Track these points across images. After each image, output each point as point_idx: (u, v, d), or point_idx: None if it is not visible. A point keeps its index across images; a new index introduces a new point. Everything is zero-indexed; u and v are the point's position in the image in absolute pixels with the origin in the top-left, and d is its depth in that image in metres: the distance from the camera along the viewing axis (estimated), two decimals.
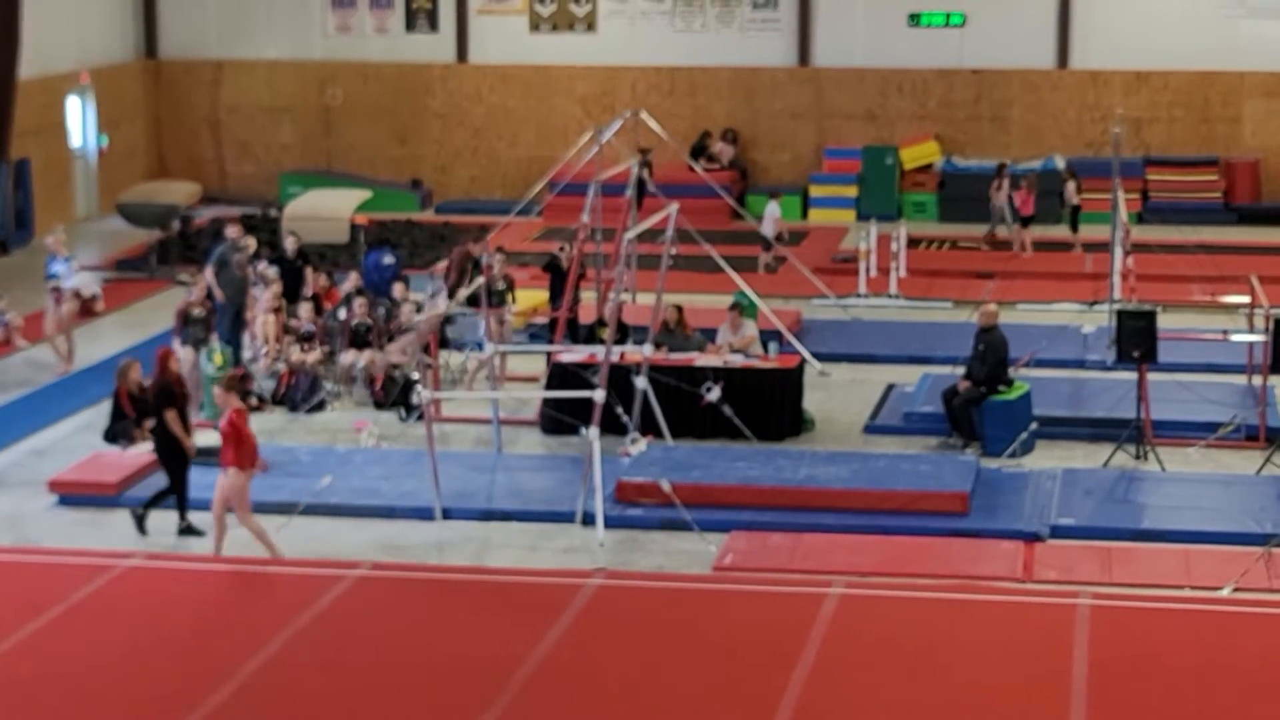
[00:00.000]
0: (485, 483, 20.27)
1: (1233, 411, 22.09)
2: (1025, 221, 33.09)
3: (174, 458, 18.66)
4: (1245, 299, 24.47)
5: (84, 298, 27.23)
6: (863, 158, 37.54)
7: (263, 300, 24.79)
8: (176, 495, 18.74)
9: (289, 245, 26.55)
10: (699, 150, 37.11)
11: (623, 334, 23.32)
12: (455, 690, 14.92)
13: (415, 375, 21.86)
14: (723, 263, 26.09)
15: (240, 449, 17.65)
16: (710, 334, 23.62)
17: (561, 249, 25.82)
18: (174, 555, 18.18)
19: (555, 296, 25.51)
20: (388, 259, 27.50)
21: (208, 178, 38.97)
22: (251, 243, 25.77)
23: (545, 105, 38.89)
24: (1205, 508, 19.23)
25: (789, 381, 22.40)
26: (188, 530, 18.70)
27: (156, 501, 18.89)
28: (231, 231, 25.71)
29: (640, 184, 27.08)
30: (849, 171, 37.42)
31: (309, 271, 26.08)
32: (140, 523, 18.82)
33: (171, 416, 18.48)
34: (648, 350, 21.05)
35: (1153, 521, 18.90)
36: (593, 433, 19.03)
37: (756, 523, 18.85)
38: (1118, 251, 26.01)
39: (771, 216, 31.84)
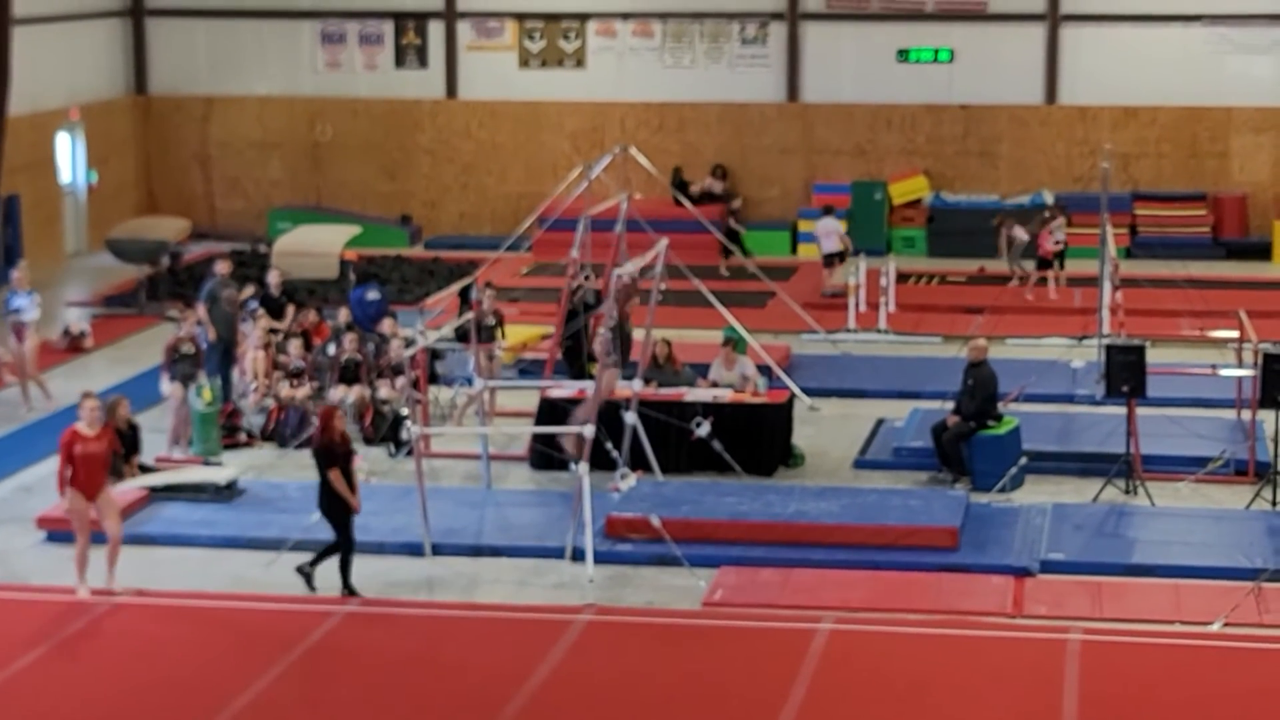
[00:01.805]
0: (475, 518, 20.25)
1: (1222, 446, 22.10)
2: (1060, 260, 32.05)
3: (338, 515, 18.09)
4: (1234, 334, 24.49)
5: (73, 334, 27.15)
6: (852, 193, 37.57)
7: (252, 336, 24.79)
8: (342, 553, 18.11)
9: (273, 281, 26.56)
10: (681, 185, 37.16)
11: None
12: None
13: (404, 411, 21.83)
14: (712, 298, 26.11)
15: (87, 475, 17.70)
16: (700, 369, 23.61)
17: (586, 278, 25.60)
18: (161, 593, 18.12)
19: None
20: (372, 295, 27.50)
21: (197, 214, 38.94)
22: (247, 291, 25.88)
23: (534, 141, 38.94)
24: (1195, 543, 19.23)
25: (779, 416, 22.40)
26: (349, 591, 18.08)
27: (322, 558, 18.26)
28: (221, 268, 25.70)
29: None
30: (838, 207, 37.43)
31: (291, 309, 26.10)
32: (309, 581, 18.19)
33: (335, 475, 17.90)
34: (637, 385, 21.06)
35: (1143, 556, 18.89)
36: (582, 468, 19.01)
37: (746, 558, 18.83)
38: (1106, 286, 26.03)
39: (836, 232, 32.34)
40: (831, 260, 32.38)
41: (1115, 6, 37.21)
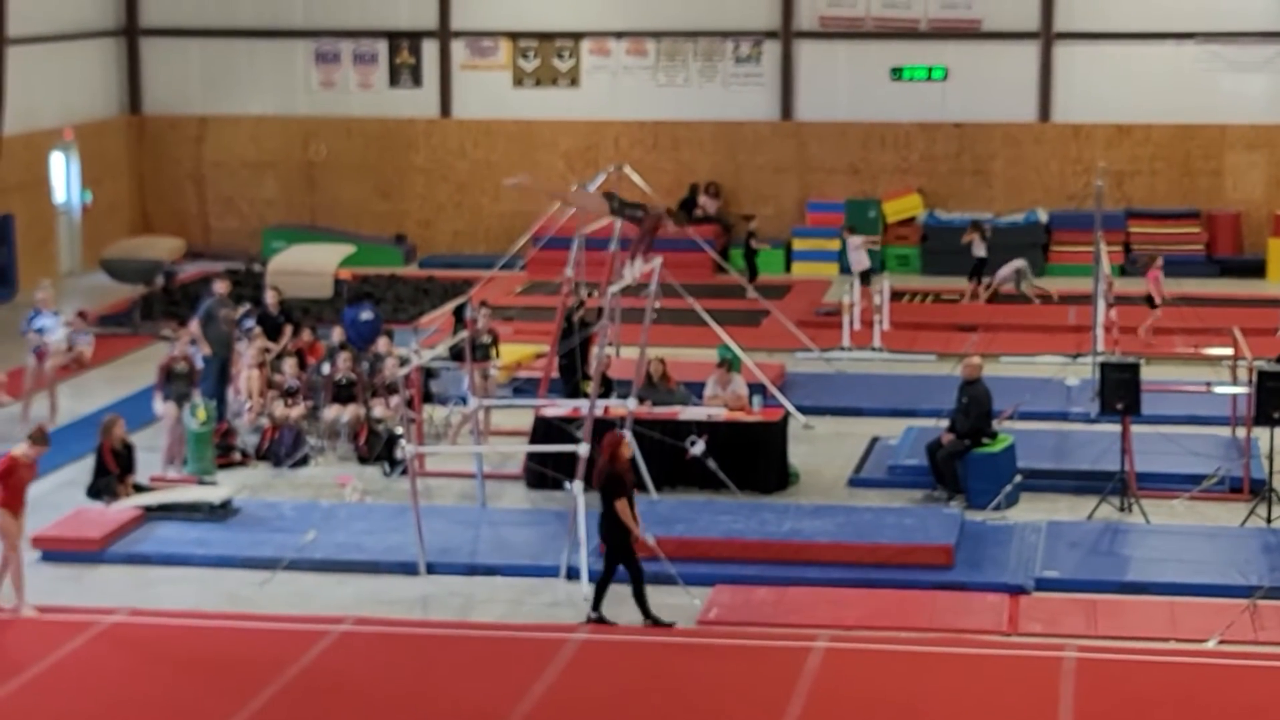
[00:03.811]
0: (469, 537, 20.24)
1: (1217, 463, 22.11)
2: (1150, 303, 30.09)
3: (621, 544, 17.67)
4: (1228, 351, 24.52)
5: (79, 351, 27.09)
6: (846, 211, 37.61)
7: (247, 355, 24.78)
8: (634, 583, 17.68)
9: (269, 300, 26.57)
10: (689, 203, 37.23)
11: (607, 388, 23.32)
12: None
13: (399, 429, 21.83)
14: (706, 316, 26.13)
15: (9, 492, 17.78)
16: (695, 387, 23.61)
17: (581, 303, 25.60)
18: (157, 612, 18.10)
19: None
20: (365, 315, 27.52)
21: (191, 233, 38.98)
22: (242, 309, 25.89)
23: (528, 160, 38.93)
24: (1190, 560, 19.23)
25: (773, 435, 22.40)
26: (651, 620, 17.71)
27: (601, 594, 17.77)
28: (219, 287, 25.71)
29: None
30: (832, 225, 37.49)
31: (288, 329, 26.10)
32: (603, 619, 17.74)
33: (621, 505, 17.50)
34: (631, 404, 21.05)
35: (1138, 574, 18.89)
36: (577, 487, 19.00)
37: (741, 576, 18.82)
38: (1101, 304, 26.06)
39: (866, 246, 32.92)
40: (868, 278, 32.46)
41: (1109, 25, 37.27)
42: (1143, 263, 31.26)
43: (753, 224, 35.87)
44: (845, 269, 35.08)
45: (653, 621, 17.64)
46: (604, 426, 20.81)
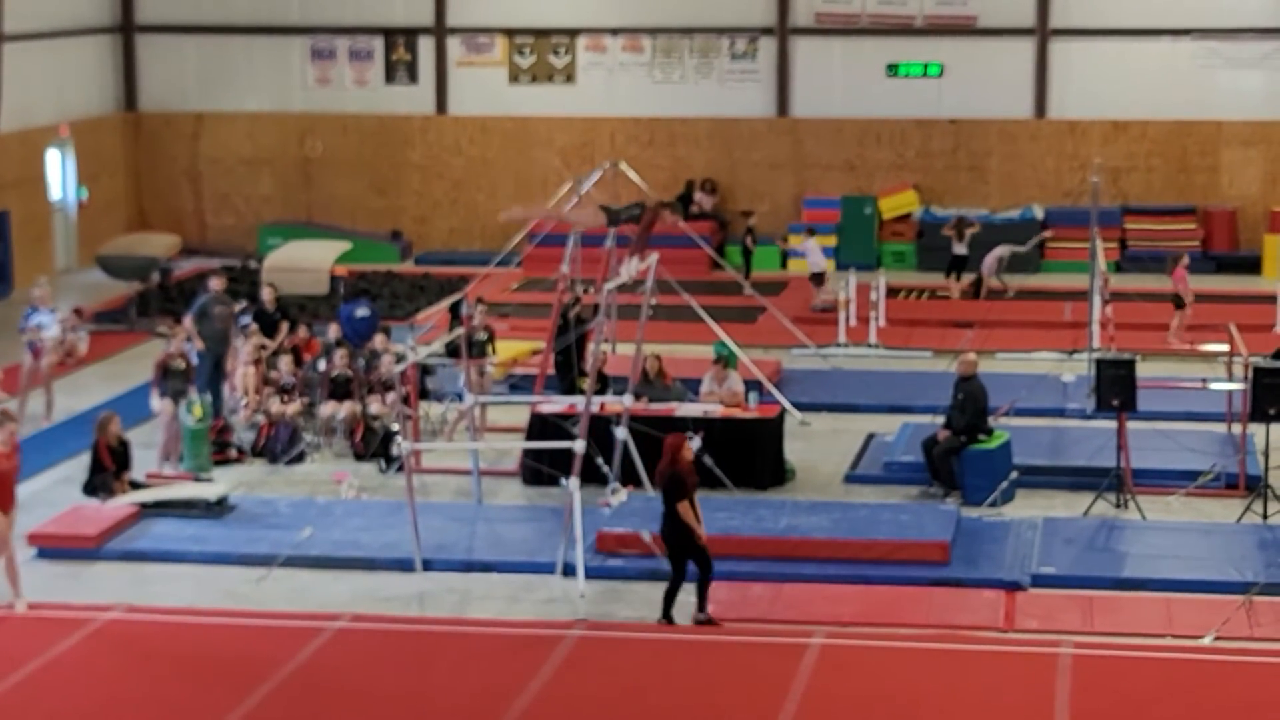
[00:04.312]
0: (466, 534, 20.24)
1: (1213, 460, 22.13)
2: (1179, 303, 29.84)
3: (686, 543, 17.51)
4: (1224, 347, 24.52)
5: (71, 344, 27.03)
6: (841, 207, 37.64)
7: (243, 352, 24.78)
8: (700, 578, 17.60)
9: (265, 296, 26.56)
10: (686, 200, 37.23)
11: (603, 384, 23.31)
12: None
13: (395, 427, 21.83)
14: (703, 313, 26.13)
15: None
16: (691, 384, 23.61)
17: (577, 300, 25.60)
18: (153, 608, 18.10)
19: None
20: (361, 311, 27.50)
21: (187, 230, 38.95)
22: (239, 306, 25.89)
23: (524, 156, 38.96)
24: (1186, 556, 19.24)
25: (769, 431, 22.40)
26: (706, 620, 17.66)
27: (673, 597, 17.64)
28: (214, 284, 25.71)
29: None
30: (828, 221, 37.49)
31: (284, 326, 26.08)
32: (671, 620, 17.63)
33: (684, 507, 17.39)
34: (628, 400, 21.06)
35: (1134, 570, 18.90)
36: (573, 484, 19.00)
37: (737, 573, 18.80)
38: (1096, 300, 26.07)
39: (817, 251, 32.92)
40: (819, 278, 32.60)
41: (1104, 21, 37.29)
42: (1169, 262, 30.99)
43: (751, 220, 35.86)
44: (841, 265, 35.12)
45: (707, 621, 17.57)
46: (600, 423, 20.87)
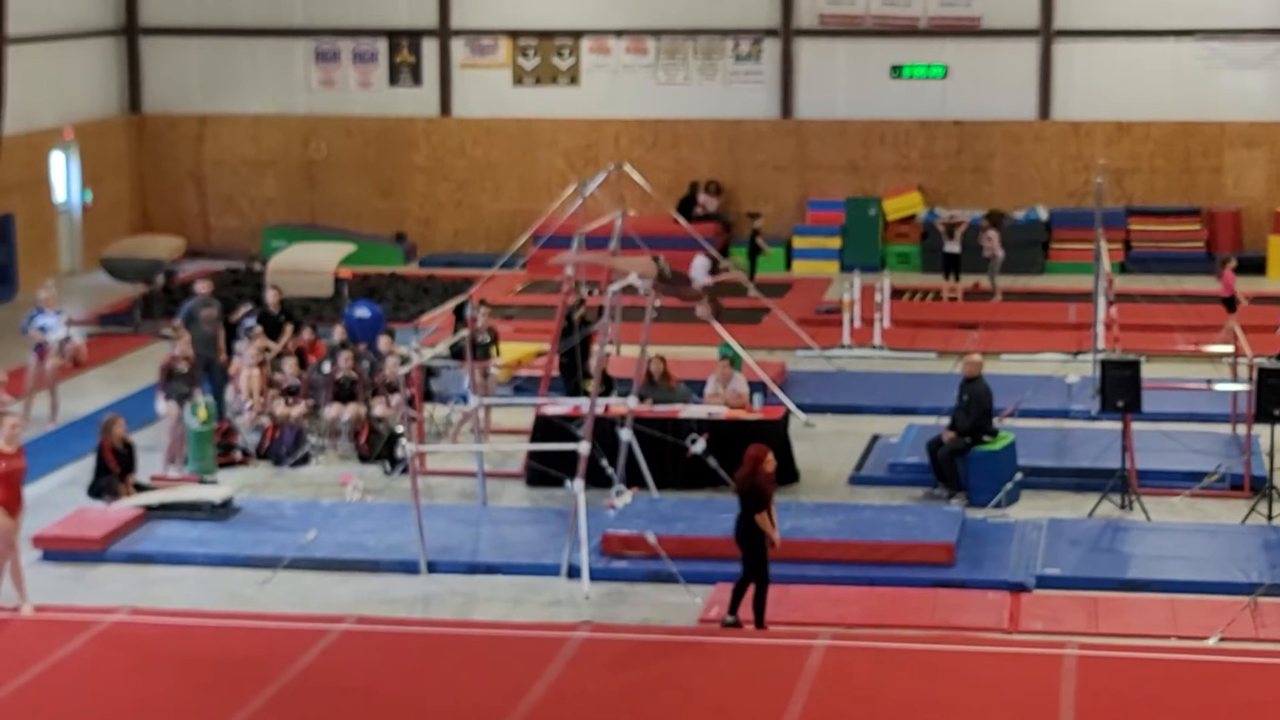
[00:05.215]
0: (470, 536, 20.24)
1: (1217, 461, 22.12)
2: (1230, 305, 29.42)
3: (758, 548, 17.46)
4: (1229, 348, 24.50)
5: (76, 347, 27.03)
6: (846, 209, 37.63)
7: (247, 354, 24.78)
8: (757, 586, 17.51)
9: (270, 299, 26.57)
10: (689, 202, 37.21)
11: (607, 386, 23.31)
12: None
13: (400, 429, 21.84)
14: (708, 315, 26.06)
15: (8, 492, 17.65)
16: (695, 385, 23.61)
17: (581, 301, 25.59)
18: (158, 611, 18.10)
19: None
20: (363, 312, 27.49)
21: (192, 232, 38.96)
22: (243, 309, 25.94)
23: (529, 158, 38.96)
24: (1191, 557, 19.23)
25: (774, 433, 22.38)
26: (734, 623, 17.63)
27: (738, 598, 17.60)
28: (201, 287, 25.76)
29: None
30: (832, 223, 37.50)
31: (288, 328, 26.09)
32: (738, 624, 17.61)
33: (761, 518, 17.35)
34: (632, 402, 21.06)
35: (1139, 571, 18.90)
36: (578, 485, 19.00)
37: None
38: (1101, 301, 26.06)
39: (704, 268, 32.36)
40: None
41: (1108, 22, 37.29)
42: (1217, 264, 30.71)
43: (757, 222, 35.81)
44: (846, 266, 35.10)
45: (734, 624, 17.53)
46: (605, 425, 20.86)
